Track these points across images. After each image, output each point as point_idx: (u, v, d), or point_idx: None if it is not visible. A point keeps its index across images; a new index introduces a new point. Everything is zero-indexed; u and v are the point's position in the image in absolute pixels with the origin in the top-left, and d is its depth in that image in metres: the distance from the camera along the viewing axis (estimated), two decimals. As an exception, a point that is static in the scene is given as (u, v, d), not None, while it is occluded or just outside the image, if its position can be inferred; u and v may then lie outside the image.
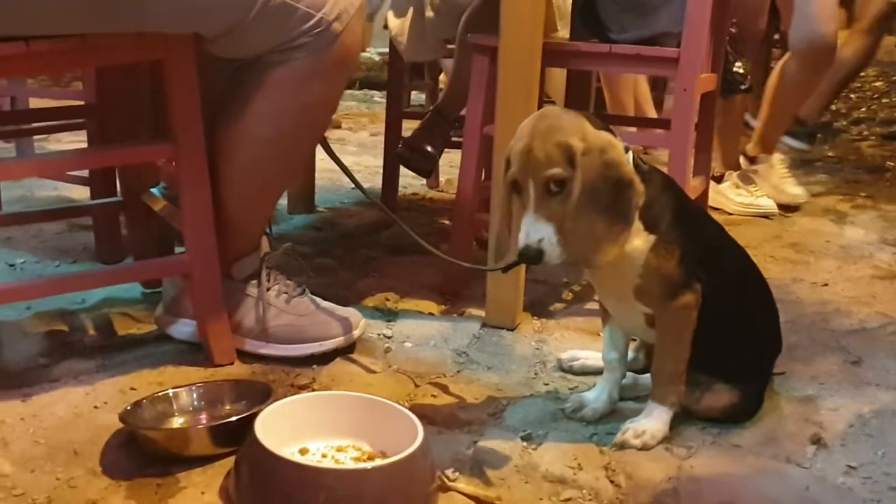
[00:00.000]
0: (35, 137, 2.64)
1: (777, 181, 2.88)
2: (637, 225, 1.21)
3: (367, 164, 3.34)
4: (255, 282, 1.53)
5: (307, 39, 1.33)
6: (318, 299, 1.59)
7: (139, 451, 1.19)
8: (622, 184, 1.15)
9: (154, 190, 1.63)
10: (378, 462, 1.09)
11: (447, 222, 2.48)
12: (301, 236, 2.36)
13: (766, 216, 2.78)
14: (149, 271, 1.56)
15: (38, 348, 1.54)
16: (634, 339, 1.50)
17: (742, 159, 2.92)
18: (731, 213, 2.80)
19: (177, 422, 1.27)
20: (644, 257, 1.24)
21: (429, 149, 2.35)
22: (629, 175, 1.16)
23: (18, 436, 1.24)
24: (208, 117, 1.40)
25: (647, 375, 1.41)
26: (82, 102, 1.86)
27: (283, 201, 2.56)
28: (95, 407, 1.33)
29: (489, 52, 1.78)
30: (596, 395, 1.40)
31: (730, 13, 2.09)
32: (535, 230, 1.14)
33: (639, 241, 1.23)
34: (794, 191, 2.90)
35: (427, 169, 2.49)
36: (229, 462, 1.17)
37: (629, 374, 1.47)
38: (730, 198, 2.83)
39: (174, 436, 1.21)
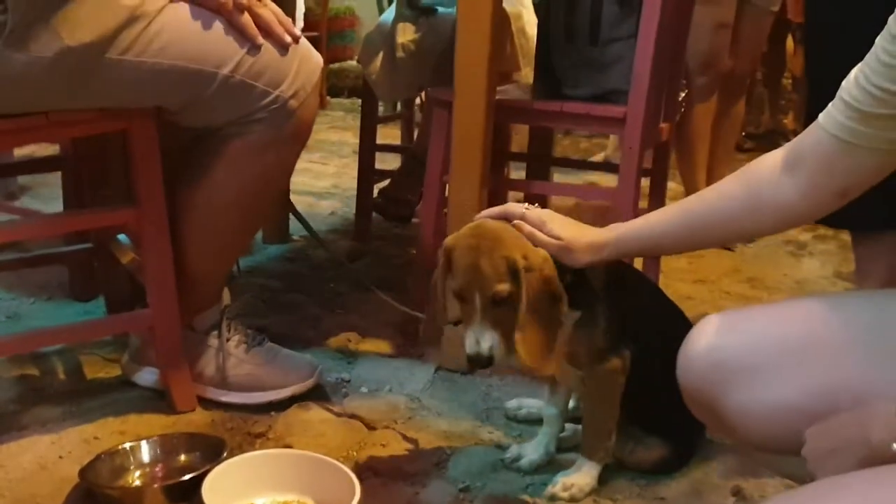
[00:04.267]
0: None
1: None
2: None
3: (347, 187, 3.41)
4: (215, 332, 1.61)
5: (265, 115, 1.41)
6: (277, 347, 1.67)
7: (98, 506, 1.28)
8: (556, 297, 1.25)
9: (121, 237, 1.72)
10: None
11: (416, 255, 2.57)
12: (273, 269, 2.44)
13: (727, 248, 2.86)
14: (114, 326, 1.64)
15: (9, 394, 1.62)
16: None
17: None
18: (694, 244, 2.88)
19: (134, 475, 1.35)
20: (570, 330, 1.32)
21: (409, 196, 2.43)
22: (560, 289, 1.26)
23: (-15, 488, 1.33)
24: (170, 180, 1.48)
25: (584, 428, 1.49)
26: (57, 151, 1.94)
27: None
28: (60, 457, 1.42)
29: (447, 105, 1.86)
30: (533, 448, 1.49)
31: (684, 61, 2.17)
32: (483, 338, 1.23)
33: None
34: None
35: (406, 216, 2.57)
36: (181, 518, 1.25)
37: (570, 424, 1.56)
38: (694, 229, 2.91)
39: (130, 493, 1.29)
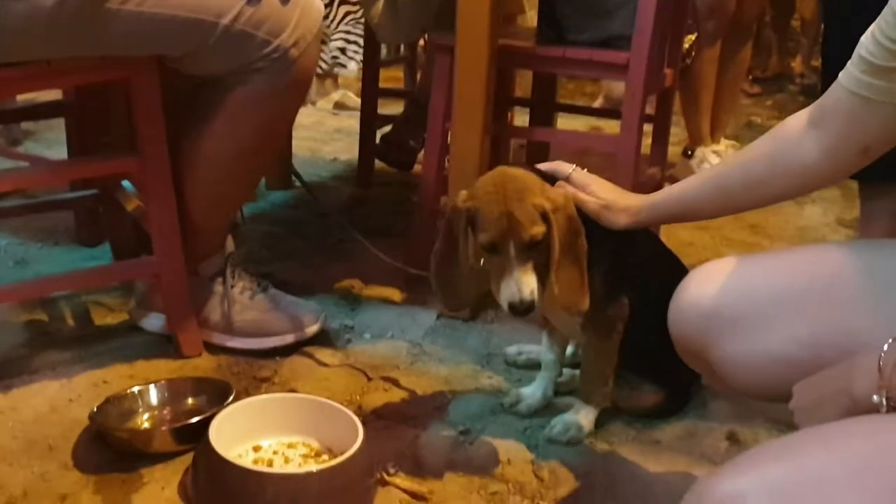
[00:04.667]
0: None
1: None
2: None
3: (350, 132, 3.40)
4: (220, 279, 1.64)
5: (265, 64, 1.41)
6: (281, 294, 1.70)
7: (107, 447, 1.32)
8: (579, 233, 1.27)
9: (126, 184, 1.73)
10: (315, 467, 1.21)
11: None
12: (276, 215, 2.46)
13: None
14: (120, 273, 1.67)
15: (19, 339, 1.66)
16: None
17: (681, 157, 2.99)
18: (697, 190, 2.89)
19: (142, 418, 1.39)
20: None
21: (410, 143, 2.42)
22: (581, 225, 1.28)
23: (-1, 429, 1.37)
24: (173, 130, 1.49)
25: (581, 373, 1.52)
26: (60, 96, 1.94)
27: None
28: (70, 400, 1.45)
29: (449, 51, 1.85)
30: (532, 392, 1.52)
31: (689, 7, 2.14)
32: (523, 284, 1.24)
33: None
34: None
35: (408, 162, 2.57)
36: (188, 459, 1.29)
37: (568, 370, 1.59)
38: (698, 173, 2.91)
39: (139, 435, 1.33)
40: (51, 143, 2.85)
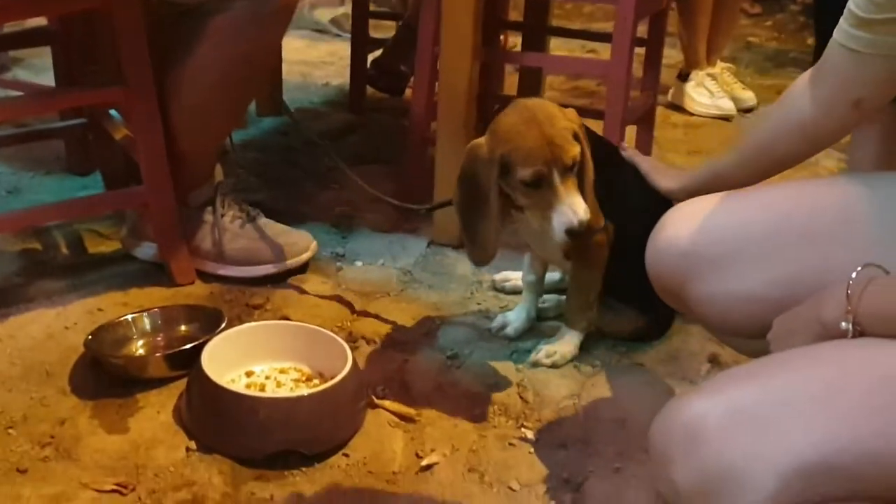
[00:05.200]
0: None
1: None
2: None
3: (342, 55, 3.36)
4: (210, 208, 1.65)
5: (246, -10, 1.39)
6: (272, 222, 1.71)
7: (104, 373, 1.35)
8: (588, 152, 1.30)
9: (114, 113, 1.73)
10: (306, 391, 1.25)
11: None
12: (267, 142, 2.45)
13: (725, 118, 2.85)
14: (110, 203, 1.68)
15: (14, 267, 1.68)
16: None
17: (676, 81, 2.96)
18: (692, 114, 2.88)
19: (137, 344, 1.42)
20: None
21: (402, 68, 2.40)
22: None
23: (-2, 356, 1.40)
24: (158, 60, 1.48)
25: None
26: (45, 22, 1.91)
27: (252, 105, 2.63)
28: (66, 328, 1.49)
29: (439, -26, 1.82)
30: (516, 314, 1.55)
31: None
32: (577, 206, 1.26)
33: None
34: (742, 95, 2.94)
35: (399, 88, 2.54)
36: (183, 384, 1.33)
37: (554, 295, 1.62)
38: (692, 98, 2.89)
39: (133, 361, 1.37)
40: (39, 69, 2.81)
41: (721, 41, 2.96)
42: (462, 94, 1.78)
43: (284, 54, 2.56)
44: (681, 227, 1.05)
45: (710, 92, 2.87)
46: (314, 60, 3.38)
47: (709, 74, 2.89)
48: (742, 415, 0.76)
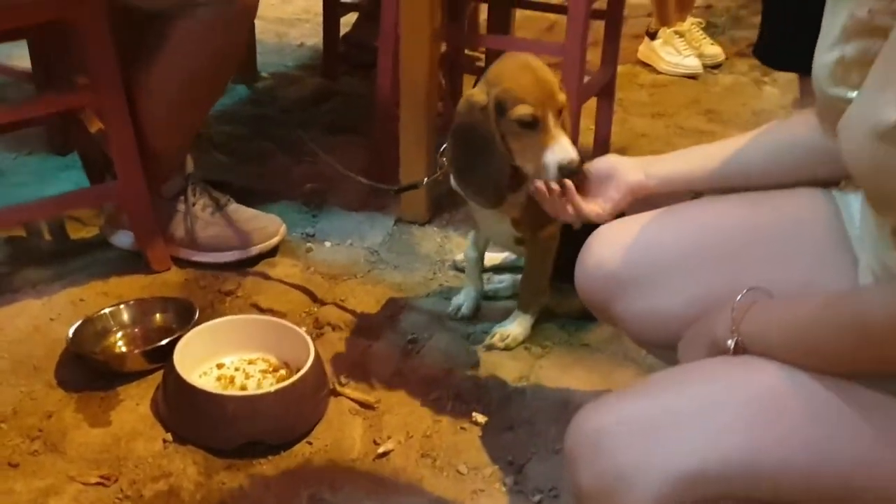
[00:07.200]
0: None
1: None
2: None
3: (317, 12, 3.37)
4: (182, 198, 1.73)
5: (208, -4, 1.45)
6: (243, 208, 1.80)
7: (86, 367, 1.46)
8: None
9: (89, 105, 1.78)
10: (271, 388, 1.35)
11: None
12: (240, 113, 2.49)
13: (692, 76, 2.91)
14: (85, 200, 1.76)
15: (-1, 256, 1.77)
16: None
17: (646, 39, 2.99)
18: (659, 73, 2.93)
19: (116, 336, 1.53)
20: (523, 201, 1.44)
21: (372, 42, 2.42)
22: None
23: (-13, 351, 1.51)
24: (127, 62, 1.54)
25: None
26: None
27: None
28: (51, 319, 1.59)
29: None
30: (465, 296, 1.66)
31: None
32: (571, 146, 1.31)
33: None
34: (710, 51, 2.99)
35: (371, 61, 2.57)
36: (159, 376, 1.43)
37: (509, 275, 1.73)
38: (660, 56, 2.94)
39: (113, 358, 1.48)
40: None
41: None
42: (422, 77, 1.83)
43: (260, 11, 2.56)
44: (606, 249, 1.13)
45: (676, 50, 2.91)
46: (289, 18, 3.38)
47: (676, 32, 2.93)
48: (635, 426, 0.87)
